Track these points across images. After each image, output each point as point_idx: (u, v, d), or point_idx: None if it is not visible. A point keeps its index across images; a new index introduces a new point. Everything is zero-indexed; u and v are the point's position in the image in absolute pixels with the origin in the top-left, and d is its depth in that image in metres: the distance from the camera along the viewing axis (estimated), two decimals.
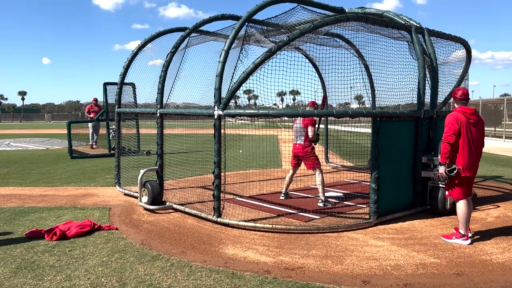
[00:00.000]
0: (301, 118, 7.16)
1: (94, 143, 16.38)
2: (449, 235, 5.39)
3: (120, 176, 8.49)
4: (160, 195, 7.08)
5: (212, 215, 6.08)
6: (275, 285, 4.02)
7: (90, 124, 16.28)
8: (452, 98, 5.54)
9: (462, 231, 5.29)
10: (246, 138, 10.39)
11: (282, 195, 7.63)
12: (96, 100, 16.86)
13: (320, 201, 7.07)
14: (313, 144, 7.25)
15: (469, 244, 5.19)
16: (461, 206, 5.30)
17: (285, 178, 7.80)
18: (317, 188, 7.20)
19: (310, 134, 7.06)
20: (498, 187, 9.16)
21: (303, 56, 9.55)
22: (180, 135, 8.83)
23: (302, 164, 7.39)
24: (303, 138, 7.15)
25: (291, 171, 7.55)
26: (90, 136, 16.36)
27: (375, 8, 7.85)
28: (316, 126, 7.23)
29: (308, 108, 7.12)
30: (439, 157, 5.26)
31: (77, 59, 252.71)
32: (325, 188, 7.20)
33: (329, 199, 7.18)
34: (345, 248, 5.09)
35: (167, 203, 7.03)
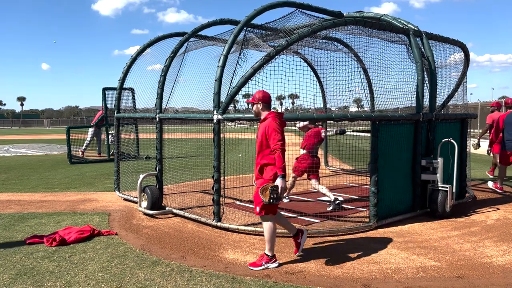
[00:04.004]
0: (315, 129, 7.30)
1: (84, 150, 15.99)
2: (256, 262, 4.60)
3: (119, 181, 8.48)
4: (159, 200, 7.07)
5: (212, 220, 6.07)
6: None
7: (90, 130, 15.97)
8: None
9: (270, 253, 4.62)
10: (246, 142, 10.36)
11: (286, 198, 7.66)
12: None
13: (328, 203, 7.06)
14: (320, 146, 7.56)
15: (277, 267, 4.56)
16: (271, 224, 4.62)
17: (286, 181, 7.76)
18: (315, 191, 7.19)
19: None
20: None
21: (301, 60, 9.58)
22: (180, 139, 8.84)
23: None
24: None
25: (293, 178, 7.44)
26: (86, 142, 15.93)
27: (373, 12, 7.88)
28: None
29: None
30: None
31: (76, 64, 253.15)
32: (325, 192, 7.17)
33: (338, 198, 7.08)
34: (345, 251, 5.08)
35: (167, 208, 7.02)
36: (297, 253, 4.91)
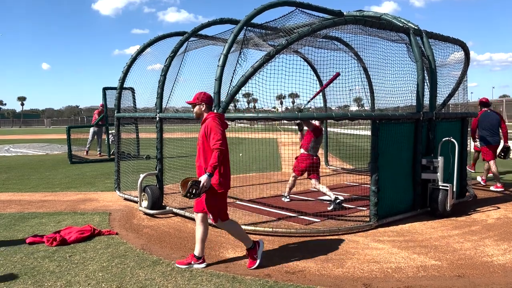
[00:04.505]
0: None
1: (92, 150, 16.15)
2: (184, 261, 4.58)
3: (120, 181, 8.48)
4: (160, 199, 7.07)
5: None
6: None
7: (91, 130, 16.02)
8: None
9: (198, 254, 4.56)
10: (246, 141, 10.38)
11: (287, 197, 7.66)
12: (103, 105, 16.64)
13: (329, 202, 7.06)
14: (320, 144, 7.58)
15: (205, 267, 4.51)
16: (204, 227, 4.60)
17: (286, 181, 7.79)
18: (317, 191, 7.19)
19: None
20: None
21: (302, 59, 9.57)
22: (180, 139, 8.83)
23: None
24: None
25: (293, 178, 7.48)
26: (89, 141, 16.07)
27: (373, 11, 7.87)
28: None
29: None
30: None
31: (76, 64, 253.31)
32: (325, 191, 7.17)
33: (339, 197, 7.11)
34: (346, 251, 5.08)
35: (167, 208, 7.02)
36: (251, 267, 4.52)
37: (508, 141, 9.32)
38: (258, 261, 4.55)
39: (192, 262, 4.54)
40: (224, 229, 4.59)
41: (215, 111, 5.20)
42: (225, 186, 4.53)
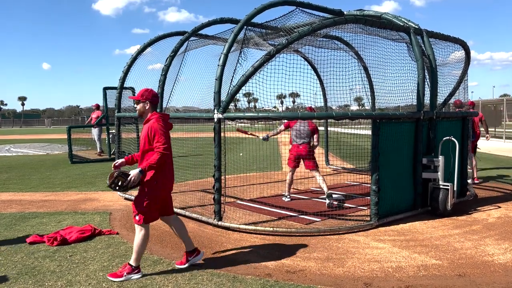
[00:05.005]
0: (307, 121, 7.31)
1: (92, 149, 16.21)
2: (117, 273, 4.24)
3: None
4: None
5: (212, 219, 6.07)
6: None
7: (95, 131, 16.01)
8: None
9: (134, 263, 4.26)
10: (246, 141, 10.37)
11: (287, 197, 7.66)
12: (97, 106, 16.76)
13: (326, 198, 7.10)
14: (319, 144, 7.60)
15: (141, 277, 4.24)
16: (145, 232, 4.26)
17: (285, 180, 7.81)
18: (318, 190, 7.22)
19: (318, 141, 7.42)
20: (499, 187, 9.15)
21: (302, 58, 9.56)
22: (180, 138, 8.83)
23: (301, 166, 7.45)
24: (308, 139, 7.33)
25: (290, 173, 7.60)
26: (98, 143, 16.06)
27: (373, 10, 7.87)
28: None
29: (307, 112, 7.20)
30: None
31: (77, 64, 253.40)
32: (321, 183, 7.26)
33: (333, 194, 7.22)
34: (347, 250, 5.07)
35: None
36: (179, 265, 4.49)
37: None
38: (185, 266, 4.48)
39: (125, 273, 4.19)
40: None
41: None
42: (164, 188, 4.31)
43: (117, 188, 4.14)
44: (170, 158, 4.34)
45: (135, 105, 4.47)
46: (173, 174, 4.45)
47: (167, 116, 4.50)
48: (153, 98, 4.43)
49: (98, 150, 16.03)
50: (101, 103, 15.55)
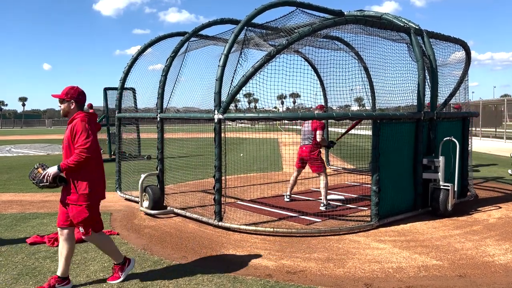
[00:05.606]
0: (310, 121, 7.15)
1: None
2: (115, 276, 4.19)
3: (120, 181, 8.49)
4: (161, 199, 7.08)
5: (213, 219, 6.07)
6: None
7: None
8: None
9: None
10: (247, 141, 10.38)
11: (288, 197, 7.65)
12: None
13: (322, 204, 7.07)
14: (324, 147, 7.39)
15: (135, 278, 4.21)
16: (99, 236, 4.08)
17: (287, 181, 7.80)
18: (318, 191, 7.20)
19: (318, 138, 7.09)
20: (500, 188, 9.15)
21: (302, 59, 9.58)
22: (181, 139, 8.83)
23: (307, 166, 7.41)
24: (310, 141, 7.18)
25: (295, 173, 7.54)
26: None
27: (374, 11, 7.87)
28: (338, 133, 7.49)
29: (316, 111, 7.08)
30: None
31: (77, 64, 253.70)
32: (322, 190, 7.20)
33: (330, 203, 7.18)
34: (347, 251, 5.07)
35: (168, 208, 7.02)
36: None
37: None
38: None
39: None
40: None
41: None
42: (96, 196, 4.01)
43: (32, 179, 3.93)
44: (100, 164, 4.06)
45: (59, 105, 4.07)
46: (104, 181, 4.14)
47: (95, 116, 4.18)
48: (79, 97, 4.06)
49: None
50: (101, 104, 15.57)
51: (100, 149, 4.15)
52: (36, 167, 3.98)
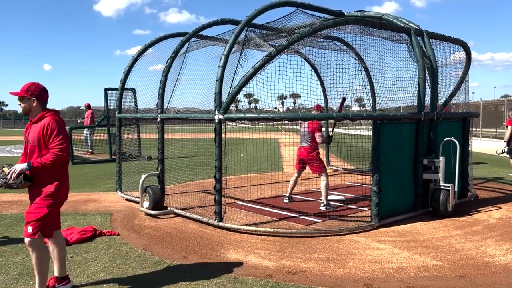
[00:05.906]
0: (307, 122, 7.14)
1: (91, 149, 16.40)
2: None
3: (121, 182, 8.49)
4: (161, 200, 7.08)
5: (213, 220, 6.08)
6: None
7: (89, 130, 16.29)
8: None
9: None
10: (247, 142, 10.38)
11: (286, 198, 7.64)
12: (88, 105, 17.14)
13: (322, 204, 7.07)
14: (324, 145, 7.40)
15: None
16: (43, 251, 3.79)
17: (287, 181, 7.79)
18: (318, 191, 7.20)
19: (318, 140, 7.10)
20: (500, 188, 9.15)
21: (303, 59, 9.58)
22: (181, 139, 8.84)
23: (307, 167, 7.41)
24: (308, 142, 7.16)
25: (295, 174, 7.51)
26: (89, 142, 16.37)
27: (374, 11, 7.87)
28: (330, 129, 7.47)
29: (313, 112, 7.10)
30: None
31: (78, 65, 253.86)
32: (323, 191, 7.19)
33: (330, 203, 7.18)
34: (347, 251, 5.07)
35: (169, 208, 7.02)
36: None
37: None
38: None
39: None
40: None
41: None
42: (61, 196, 3.95)
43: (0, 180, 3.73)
44: (67, 164, 3.91)
45: (19, 103, 3.83)
46: (67, 187, 4.04)
47: (58, 113, 3.94)
48: (41, 94, 3.81)
49: (89, 149, 16.26)
50: (102, 104, 15.59)
51: (69, 150, 3.96)
52: (1, 166, 3.80)
